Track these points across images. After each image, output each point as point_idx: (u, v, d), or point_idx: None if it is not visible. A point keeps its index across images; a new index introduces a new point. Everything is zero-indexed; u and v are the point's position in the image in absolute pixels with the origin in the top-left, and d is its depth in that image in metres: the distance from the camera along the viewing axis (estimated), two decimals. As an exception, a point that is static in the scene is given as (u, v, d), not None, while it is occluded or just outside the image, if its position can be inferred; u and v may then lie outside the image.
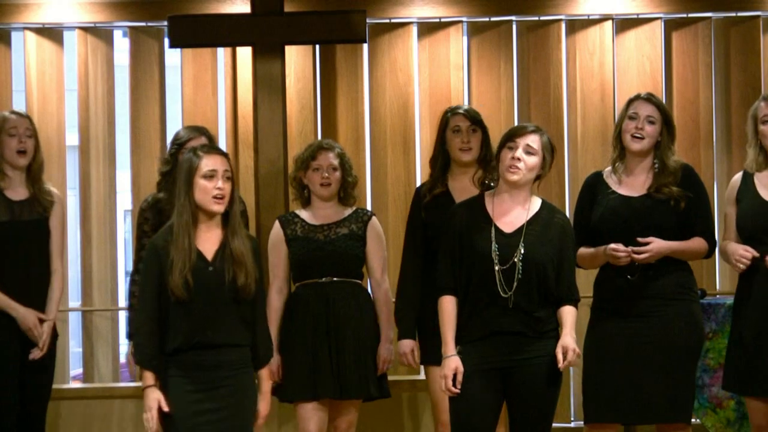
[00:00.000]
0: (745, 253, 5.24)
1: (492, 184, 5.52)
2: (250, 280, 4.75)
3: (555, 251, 4.94)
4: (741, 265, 5.25)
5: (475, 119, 5.75)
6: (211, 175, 4.73)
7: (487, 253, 4.90)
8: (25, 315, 5.67)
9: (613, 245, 5.14)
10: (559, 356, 4.85)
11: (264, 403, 4.85)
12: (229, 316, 4.73)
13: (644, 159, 5.30)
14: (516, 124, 7.12)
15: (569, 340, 4.88)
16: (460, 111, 5.78)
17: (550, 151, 5.00)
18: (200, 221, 4.77)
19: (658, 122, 5.27)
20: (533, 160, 4.94)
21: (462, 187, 5.71)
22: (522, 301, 4.88)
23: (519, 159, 4.92)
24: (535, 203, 5.02)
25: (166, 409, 4.69)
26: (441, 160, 5.76)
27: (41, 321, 5.70)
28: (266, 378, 4.89)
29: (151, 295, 4.76)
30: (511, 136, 4.97)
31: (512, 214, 4.98)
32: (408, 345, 5.72)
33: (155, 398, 4.71)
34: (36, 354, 5.69)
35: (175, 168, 5.38)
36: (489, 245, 4.91)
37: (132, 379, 6.64)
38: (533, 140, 4.95)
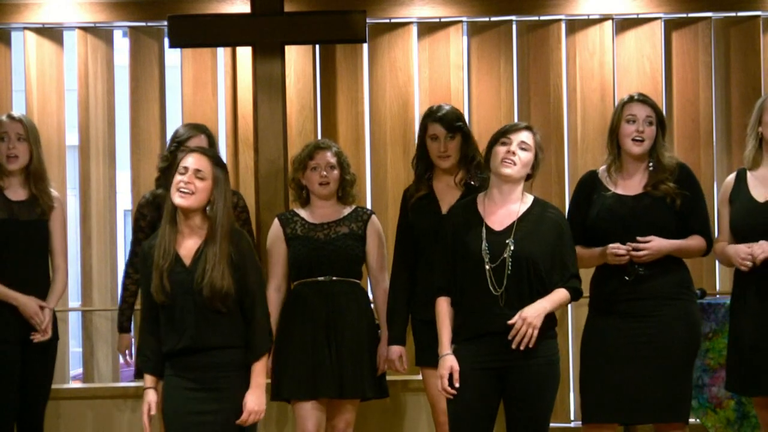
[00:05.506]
0: (749, 251, 5.21)
1: (473, 182, 5.53)
2: (225, 284, 4.71)
3: (548, 246, 4.91)
4: (748, 263, 5.21)
5: (451, 126, 5.59)
6: (183, 171, 4.77)
7: (477, 251, 4.89)
8: (26, 303, 5.67)
9: (612, 245, 5.13)
10: (513, 320, 4.80)
11: (252, 397, 4.73)
12: (211, 320, 4.72)
13: (641, 160, 5.29)
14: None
15: (529, 310, 4.81)
16: (437, 118, 5.63)
17: (542, 151, 5.00)
18: (182, 223, 4.79)
19: (654, 122, 5.28)
20: (527, 156, 4.94)
21: (445, 187, 5.64)
22: (515, 298, 4.85)
23: (514, 153, 4.92)
24: (527, 200, 5.00)
25: (152, 412, 4.75)
26: (423, 163, 5.66)
27: (42, 309, 5.71)
28: (258, 372, 4.78)
29: (146, 297, 4.83)
30: (504, 133, 4.97)
31: (503, 211, 4.96)
32: (396, 351, 5.66)
33: (147, 401, 4.79)
34: (37, 337, 5.68)
35: (173, 165, 5.39)
36: (479, 244, 4.89)
37: (132, 379, 6.65)
38: (527, 137, 4.96)
